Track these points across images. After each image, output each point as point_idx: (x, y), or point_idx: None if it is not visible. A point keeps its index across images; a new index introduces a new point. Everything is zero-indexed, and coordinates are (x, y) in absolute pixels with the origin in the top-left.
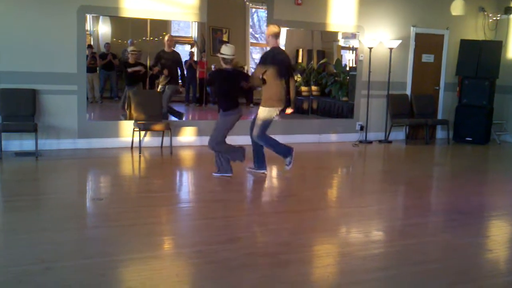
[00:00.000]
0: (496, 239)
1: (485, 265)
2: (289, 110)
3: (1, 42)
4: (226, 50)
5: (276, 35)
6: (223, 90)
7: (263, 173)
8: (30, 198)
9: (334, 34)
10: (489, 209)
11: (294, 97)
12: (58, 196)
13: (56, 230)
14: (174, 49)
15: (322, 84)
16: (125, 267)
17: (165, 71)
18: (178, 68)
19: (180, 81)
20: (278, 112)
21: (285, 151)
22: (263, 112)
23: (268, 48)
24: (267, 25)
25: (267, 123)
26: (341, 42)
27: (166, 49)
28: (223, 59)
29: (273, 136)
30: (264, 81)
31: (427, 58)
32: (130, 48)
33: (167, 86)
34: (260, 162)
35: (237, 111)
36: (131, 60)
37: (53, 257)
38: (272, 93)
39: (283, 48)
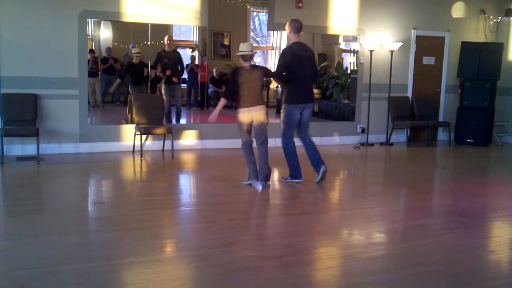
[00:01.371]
0: (499, 241)
1: (488, 267)
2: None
3: (3, 47)
4: (244, 47)
5: (297, 30)
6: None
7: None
8: (32, 202)
9: (335, 37)
10: (491, 211)
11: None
12: (60, 200)
13: (58, 234)
14: (175, 49)
15: (323, 87)
16: (127, 270)
17: (168, 72)
18: (179, 67)
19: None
20: (301, 110)
21: (294, 171)
22: (282, 111)
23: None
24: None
25: (286, 122)
26: (342, 45)
27: (167, 48)
28: (242, 56)
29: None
30: (286, 80)
31: (428, 60)
32: (134, 50)
33: (167, 87)
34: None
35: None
36: (135, 61)
37: (55, 261)
38: (290, 90)
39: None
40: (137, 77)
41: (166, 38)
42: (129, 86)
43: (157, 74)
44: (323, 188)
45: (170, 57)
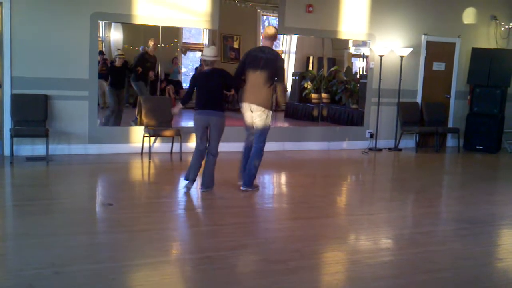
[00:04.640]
0: (507, 248)
1: (496, 274)
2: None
3: (15, 48)
4: (207, 51)
5: (269, 38)
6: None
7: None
8: (41, 203)
9: (345, 41)
10: (500, 218)
11: (283, 99)
12: (68, 201)
13: (66, 234)
14: (154, 54)
15: (332, 91)
16: (135, 272)
17: (151, 73)
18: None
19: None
20: (251, 112)
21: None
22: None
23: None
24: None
25: (245, 125)
26: (352, 50)
27: (150, 52)
28: (204, 60)
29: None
30: (242, 82)
31: (438, 66)
32: (117, 52)
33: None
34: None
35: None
36: (117, 63)
37: (63, 261)
38: (245, 92)
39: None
40: (116, 80)
41: (151, 42)
42: (108, 87)
43: (138, 73)
44: (331, 193)
45: (152, 61)
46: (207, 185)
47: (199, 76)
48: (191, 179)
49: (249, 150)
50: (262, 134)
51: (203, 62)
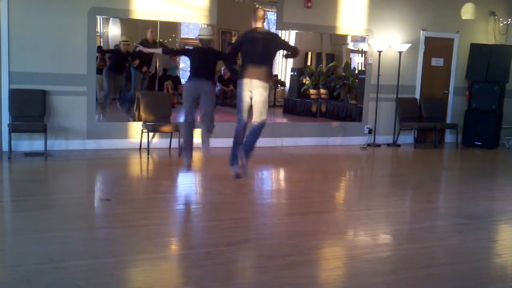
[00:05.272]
0: (505, 244)
1: (493, 270)
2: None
3: (12, 43)
4: (203, 31)
5: (261, 18)
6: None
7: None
8: (39, 198)
9: (344, 37)
10: (498, 214)
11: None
12: (67, 196)
13: (65, 230)
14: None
15: (330, 87)
16: (133, 267)
17: (145, 68)
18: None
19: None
20: (250, 89)
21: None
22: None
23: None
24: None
25: (237, 101)
26: (351, 45)
27: (149, 40)
28: (201, 40)
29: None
30: (233, 60)
31: (437, 62)
32: (123, 38)
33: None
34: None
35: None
36: (123, 49)
37: (62, 256)
38: (241, 68)
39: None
40: (117, 65)
41: (149, 29)
42: (105, 69)
43: (135, 65)
44: (330, 188)
45: (154, 47)
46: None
47: (194, 50)
48: (189, 153)
49: (242, 135)
50: (264, 110)
51: (199, 41)
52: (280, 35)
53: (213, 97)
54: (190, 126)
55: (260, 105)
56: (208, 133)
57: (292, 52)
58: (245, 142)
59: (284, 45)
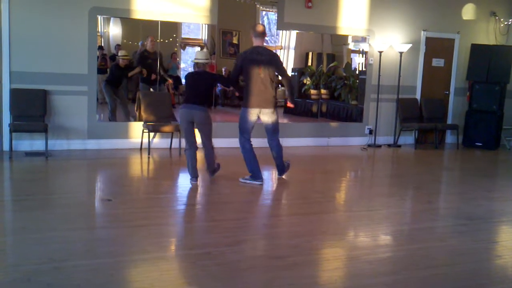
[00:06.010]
0: (506, 245)
1: (494, 271)
2: (290, 105)
3: (13, 43)
4: (199, 55)
5: (259, 35)
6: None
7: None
8: (40, 198)
9: (344, 37)
10: (498, 215)
11: (290, 92)
12: (67, 196)
13: (65, 229)
14: (156, 50)
15: (331, 87)
16: (134, 267)
17: (153, 76)
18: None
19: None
20: (257, 114)
21: (253, 172)
22: (240, 112)
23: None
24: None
25: (240, 125)
26: (351, 46)
27: (149, 49)
28: (196, 63)
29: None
30: (235, 83)
31: (437, 62)
32: (121, 52)
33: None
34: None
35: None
36: (121, 64)
37: (62, 256)
38: (246, 94)
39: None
40: (116, 79)
41: (149, 38)
42: (103, 84)
43: (144, 75)
44: (330, 189)
45: (153, 58)
46: (213, 170)
47: (189, 76)
48: (194, 176)
49: (252, 152)
50: (276, 128)
51: (195, 65)
52: (279, 54)
53: (209, 129)
54: (190, 150)
55: (273, 126)
56: (208, 167)
57: (284, 79)
58: (277, 164)
59: (279, 69)
